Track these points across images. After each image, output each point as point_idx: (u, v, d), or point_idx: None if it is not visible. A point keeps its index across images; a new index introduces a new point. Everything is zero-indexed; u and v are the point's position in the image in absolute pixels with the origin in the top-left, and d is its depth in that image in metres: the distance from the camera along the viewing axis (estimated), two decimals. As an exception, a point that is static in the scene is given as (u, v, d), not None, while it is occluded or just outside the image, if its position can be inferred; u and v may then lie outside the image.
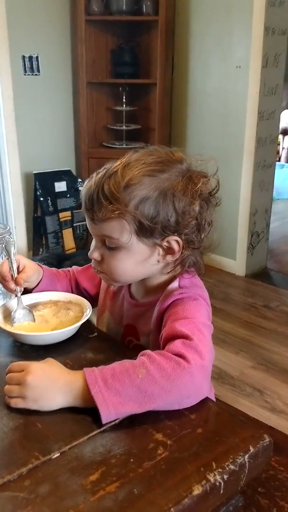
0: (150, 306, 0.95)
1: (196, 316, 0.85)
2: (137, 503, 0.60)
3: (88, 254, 0.93)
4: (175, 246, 0.89)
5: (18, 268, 0.99)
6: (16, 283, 0.98)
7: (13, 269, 0.97)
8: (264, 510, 0.99)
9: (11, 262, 0.97)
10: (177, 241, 0.88)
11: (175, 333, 0.81)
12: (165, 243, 0.88)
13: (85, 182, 0.91)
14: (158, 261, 0.91)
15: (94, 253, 0.92)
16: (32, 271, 1.02)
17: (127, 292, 1.02)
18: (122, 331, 1.02)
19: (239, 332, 2.67)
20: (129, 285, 1.03)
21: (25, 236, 3.41)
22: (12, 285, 0.98)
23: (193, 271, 0.95)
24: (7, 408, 0.75)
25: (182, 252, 0.90)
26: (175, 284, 0.92)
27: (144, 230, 0.86)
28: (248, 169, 3.08)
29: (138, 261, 0.90)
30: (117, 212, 0.84)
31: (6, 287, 0.99)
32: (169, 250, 0.89)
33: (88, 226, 0.91)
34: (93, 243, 0.92)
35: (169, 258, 0.90)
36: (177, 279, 0.93)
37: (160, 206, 0.85)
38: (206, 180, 0.90)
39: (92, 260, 0.94)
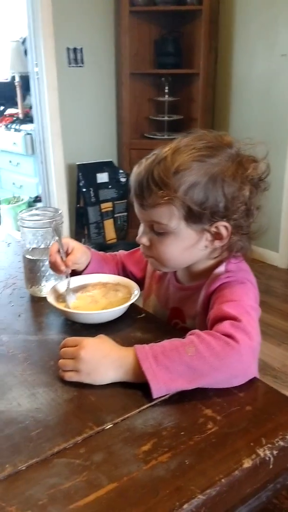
0: (196, 289, 0.96)
1: (244, 299, 0.85)
2: (189, 473, 0.61)
3: (136, 239, 0.94)
4: (224, 231, 0.89)
5: (67, 250, 1.02)
6: (65, 265, 1.01)
7: (62, 251, 1.00)
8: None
9: (61, 244, 1.00)
10: (225, 227, 0.88)
11: (223, 315, 0.82)
12: (213, 229, 0.88)
13: (134, 168, 0.91)
14: (206, 247, 0.91)
15: (143, 238, 0.93)
16: (80, 253, 1.04)
17: (172, 276, 1.03)
18: (168, 314, 1.04)
19: (281, 324, 2.64)
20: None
21: (68, 226, 3.48)
22: (62, 267, 1.01)
23: (240, 256, 0.94)
24: (61, 381, 0.78)
25: (230, 237, 0.90)
26: (221, 268, 0.92)
27: (193, 216, 0.86)
28: (292, 158, 3.03)
29: (186, 246, 0.90)
30: (166, 198, 0.84)
31: (56, 268, 1.02)
32: (217, 236, 0.89)
33: (136, 211, 0.92)
34: (141, 228, 0.93)
35: (217, 243, 0.90)
36: (224, 264, 0.93)
37: (209, 192, 0.85)
38: (256, 165, 0.89)
39: (141, 245, 0.95)
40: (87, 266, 1.07)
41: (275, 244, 3.26)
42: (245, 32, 3.14)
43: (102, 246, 3.23)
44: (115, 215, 3.54)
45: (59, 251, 1.00)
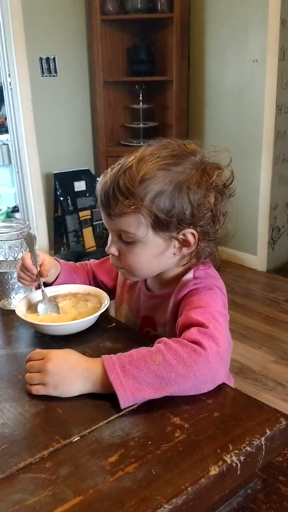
0: (166, 297, 0.96)
1: (211, 305, 0.86)
2: (155, 483, 0.61)
3: (106, 249, 0.94)
4: (191, 238, 0.89)
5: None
6: (41, 274, 1.00)
7: (35, 262, 0.99)
8: (285, 498, 0.99)
9: (34, 255, 0.99)
10: (192, 234, 0.89)
11: (190, 321, 0.82)
12: (181, 236, 0.89)
13: (100, 178, 0.92)
14: (174, 254, 0.92)
15: (111, 248, 0.93)
16: (50, 265, 1.04)
17: (143, 284, 1.04)
18: (139, 322, 1.04)
19: (261, 327, 2.66)
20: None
21: (46, 236, 3.46)
22: (35, 271, 1.00)
23: (208, 262, 0.95)
24: (29, 395, 0.77)
25: (198, 244, 0.90)
26: (189, 275, 0.93)
27: (160, 224, 0.87)
28: (267, 163, 3.06)
29: (154, 254, 0.90)
30: (133, 206, 0.85)
31: (28, 279, 1.01)
32: (185, 243, 0.90)
33: (104, 221, 0.92)
34: (110, 238, 0.94)
35: (185, 250, 0.91)
36: (192, 270, 0.93)
37: (175, 199, 0.86)
38: (220, 172, 0.90)
39: (110, 255, 0.95)
40: (57, 277, 1.07)
41: (253, 248, 3.29)
42: (216, 38, 3.18)
43: (82, 254, 3.22)
44: (94, 223, 3.54)
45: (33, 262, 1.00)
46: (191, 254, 0.92)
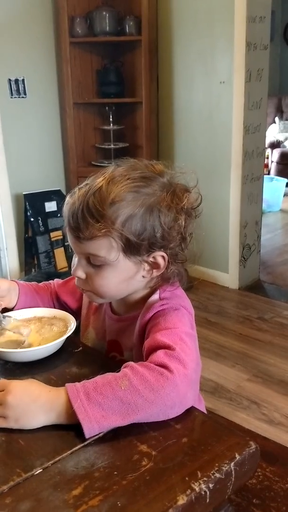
0: (132, 320, 0.94)
1: (178, 326, 0.84)
2: (121, 516, 0.58)
3: (72, 272, 0.91)
4: (161, 261, 0.88)
5: None
6: None
7: None
8: (259, 522, 0.97)
9: None
10: (162, 256, 0.88)
11: (157, 344, 0.80)
12: (151, 259, 0.88)
13: (67, 198, 0.89)
14: (144, 277, 0.90)
15: (78, 271, 0.89)
16: (5, 288, 1.01)
17: (108, 307, 1.01)
18: (106, 347, 1.01)
19: (234, 345, 2.66)
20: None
21: (16, 257, 3.41)
22: None
23: (176, 282, 0.94)
24: (-11, 426, 0.74)
25: (167, 266, 0.89)
26: (155, 296, 0.92)
27: (131, 247, 0.85)
28: (236, 181, 3.10)
29: (124, 278, 0.89)
30: (104, 230, 0.83)
31: None
32: (155, 265, 0.89)
33: (71, 244, 0.89)
34: (76, 260, 0.90)
35: (155, 273, 0.90)
36: (158, 292, 0.92)
37: (146, 222, 0.85)
38: (189, 195, 0.90)
39: (76, 278, 0.92)
40: (17, 301, 1.04)
41: (225, 266, 3.31)
42: (184, 60, 3.23)
43: (54, 275, 3.16)
44: (66, 243, 3.50)
45: None
46: (160, 277, 0.91)
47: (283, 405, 2.15)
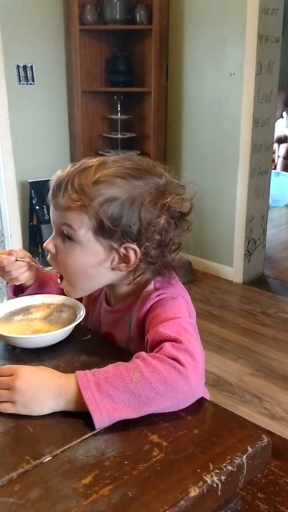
0: (124, 311, 0.94)
1: (179, 316, 0.83)
2: (131, 506, 0.57)
3: (44, 244, 0.92)
4: (132, 255, 0.87)
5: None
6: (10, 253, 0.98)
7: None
8: (264, 516, 0.96)
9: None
10: (134, 251, 0.87)
11: (161, 337, 0.79)
12: (122, 250, 0.87)
13: (58, 171, 0.89)
14: (113, 269, 0.89)
15: (49, 245, 0.90)
16: (28, 257, 1.01)
17: (104, 299, 1.01)
18: None
19: (237, 339, 2.65)
20: (106, 291, 1.01)
21: (21, 245, 3.39)
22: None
23: (171, 272, 0.92)
24: (-3, 412, 0.73)
25: (137, 264, 0.88)
26: (150, 287, 0.90)
27: (103, 230, 0.85)
28: (243, 175, 3.08)
29: (92, 262, 0.88)
30: (79, 203, 0.83)
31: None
32: (125, 259, 0.88)
33: (50, 214, 0.90)
34: (52, 235, 0.91)
35: (123, 267, 0.89)
36: (152, 282, 0.91)
37: (125, 211, 0.84)
38: (178, 198, 0.89)
39: (48, 254, 0.92)
40: (32, 284, 1.03)
41: (229, 260, 3.29)
42: (194, 51, 3.19)
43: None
44: (70, 233, 3.49)
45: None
46: (134, 274, 0.90)
47: (285, 400, 2.14)
